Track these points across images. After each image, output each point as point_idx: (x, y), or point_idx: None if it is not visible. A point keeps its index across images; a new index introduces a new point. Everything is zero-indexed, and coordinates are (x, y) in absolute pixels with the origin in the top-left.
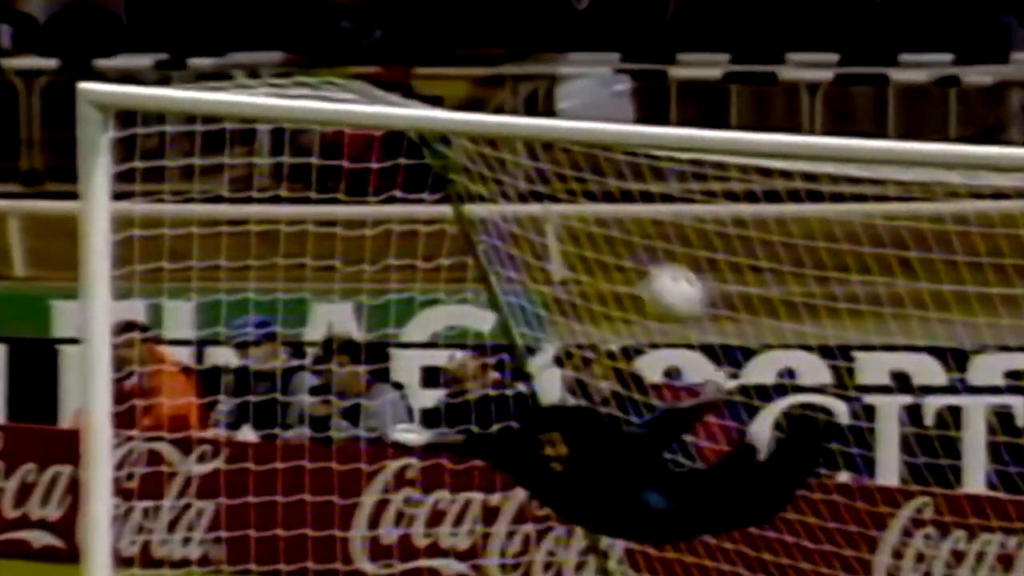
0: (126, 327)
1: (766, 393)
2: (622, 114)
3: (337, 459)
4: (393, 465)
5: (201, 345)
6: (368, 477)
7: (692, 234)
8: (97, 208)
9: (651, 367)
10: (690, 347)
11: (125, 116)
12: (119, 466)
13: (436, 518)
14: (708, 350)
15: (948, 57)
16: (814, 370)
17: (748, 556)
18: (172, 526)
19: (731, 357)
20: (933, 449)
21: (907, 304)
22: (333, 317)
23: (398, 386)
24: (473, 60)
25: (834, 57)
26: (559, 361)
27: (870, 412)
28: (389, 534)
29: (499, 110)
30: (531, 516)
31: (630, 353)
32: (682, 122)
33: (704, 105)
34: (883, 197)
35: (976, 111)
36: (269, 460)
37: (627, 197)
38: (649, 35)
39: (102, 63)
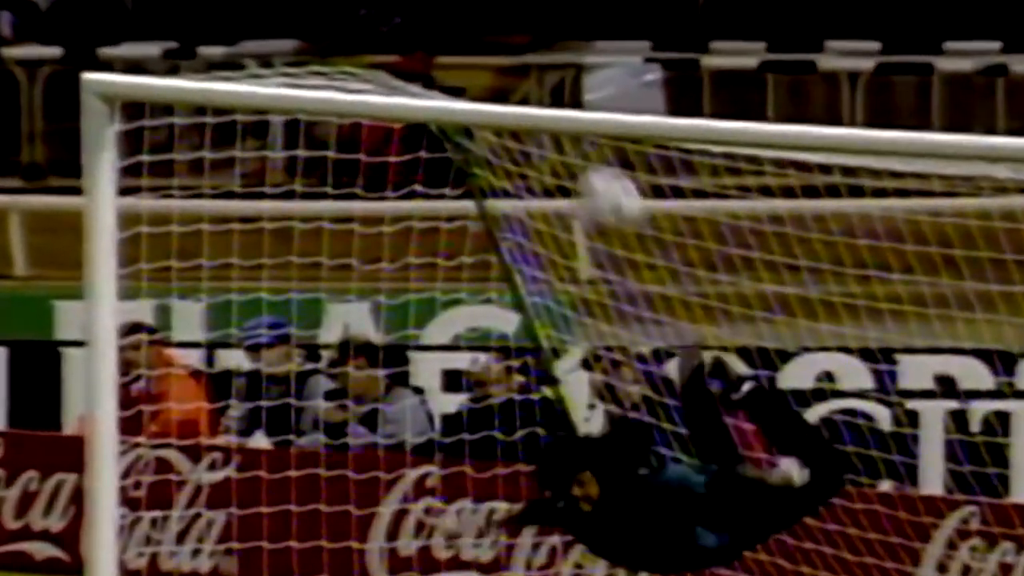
0: (132, 329)
1: (804, 398)
2: (652, 105)
3: (354, 467)
4: (412, 474)
5: (211, 348)
6: (386, 486)
7: (726, 231)
8: (102, 204)
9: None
10: (724, 349)
11: (132, 108)
12: (125, 474)
13: (458, 529)
14: (743, 352)
15: (995, 45)
16: (854, 374)
17: (785, 569)
18: (181, 537)
19: (767, 360)
20: (979, 456)
21: (952, 305)
22: (350, 318)
23: (418, 391)
24: (497, 48)
25: (876, 45)
26: (587, 364)
27: (913, 418)
28: (408, 546)
29: (524, 101)
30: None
31: (661, 356)
32: (715, 114)
33: (739, 96)
34: (927, 192)
35: None
36: (282, 468)
37: (658, 192)
38: (681, 22)
39: (107, 52)
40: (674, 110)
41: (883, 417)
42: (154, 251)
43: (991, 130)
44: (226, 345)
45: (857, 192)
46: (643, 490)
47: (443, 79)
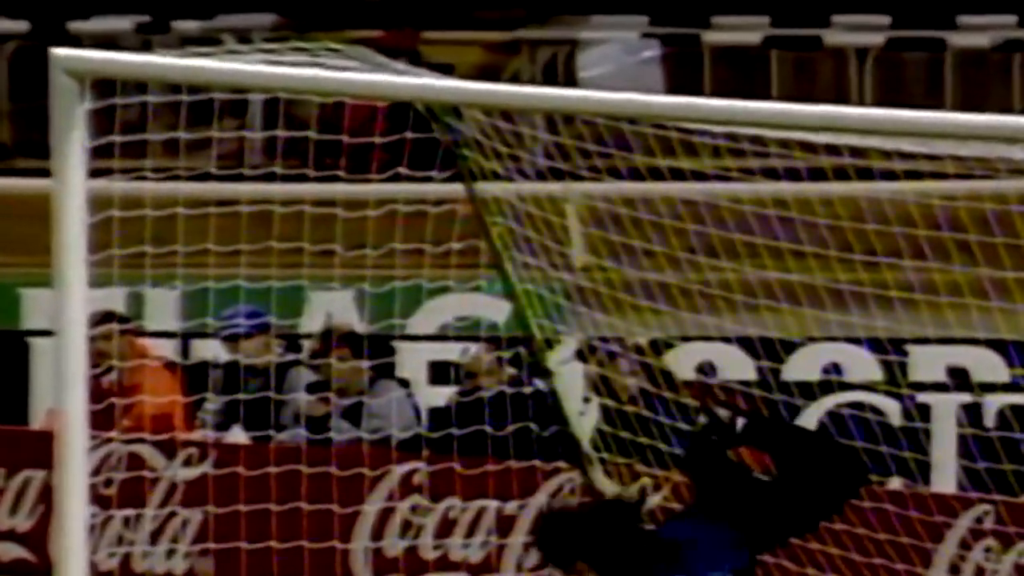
0: (104, 318)
1: (810, 390)
2: (650, 83)
3: (337, 463)
4: (398, 470)
5: (186, 338)
6: (371, 483)
7: (728, 215)
8: (71, 187)
9: (683, 361)
10: (726, 340)
11: (103, 85)
12: (96, 471)
13: (446, 528)
14: (746, 343)
15: (1011, 19)
16: (863, 365)
17: (791, 571)
18: (155, 537)
19: (771, 351)
20: (994, 452)
21: (966, 292)
22: (332, 307)
23: (404, 383)
24: (487, 24)
25: (885, 20)
26: (581, 355)
27: (925, 412)
28: (394, 546)
29: (515, 79)
30: None
31: (659, 346)
32: (717, 92)
33: (741, 73)
34: (939, 175)
35: None
36: (262, 464)
37: (656, 175)
38: None
39: (77, 26)
40: (673, 88)
41: (893, 411)
42: (126, 236)
43: (1007, 109)
44: (202, 335)
45: (866, 174)
46: (645, 550)
47: (430, 55)
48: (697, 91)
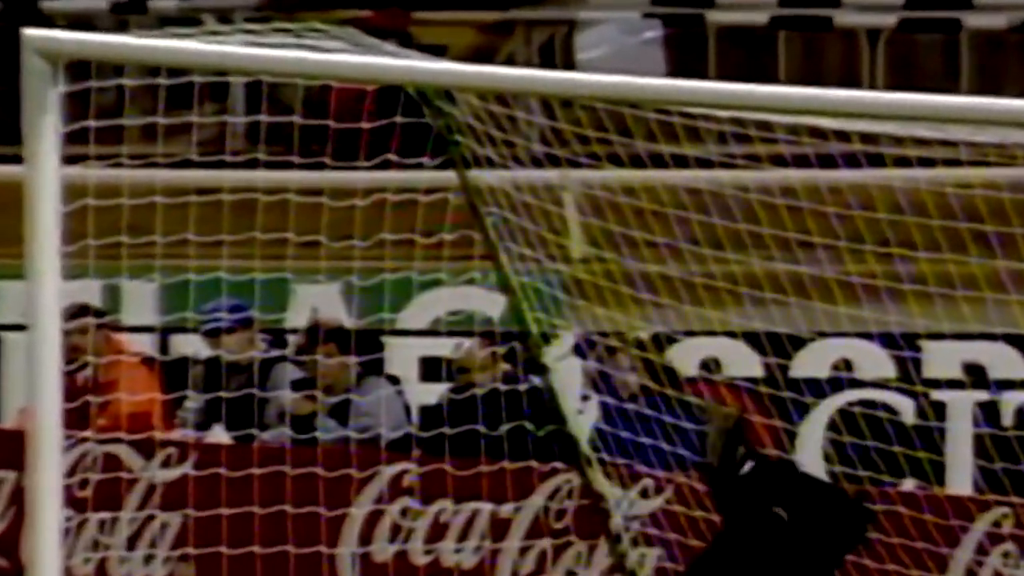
0: (79, 312)
1: (819, 388)
2: (652, 66)
3: (323, 464)
4: (387, 471)
5: (165, 333)
6: (359, 485)
7: (733, 204)
8: (44, 174)
9: (686, 357)
10: (731, 335)
11: (77, 67)
12: (71, 472)
13: (438, 532)
14: (752, 338)
15: None
16: (875, 361)
17: None
18: (132, 541)
19: (779, 347)
20: (1012, 452)
21: (983, 285)
22: (318, 300)
23: (393, 380)
24: (480, 3)
25: None
26: (580, 351)
27: (939, 410)
28: (383, 550)
29: (510, 61)
30: (548, 530)
31: (662, 341)
32: (722, 75)
33: (747, 55)
34: (955, 161)
35: None
36: (244, 465)
37: (658, 162)
38: None
39: (50, 5)
40: (676, 71)
41: (906, 409)
42: (102, 226)
43: None
44: (182, 330)
45: (878, 161)
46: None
47: (421, 36)
48: (701, 74)
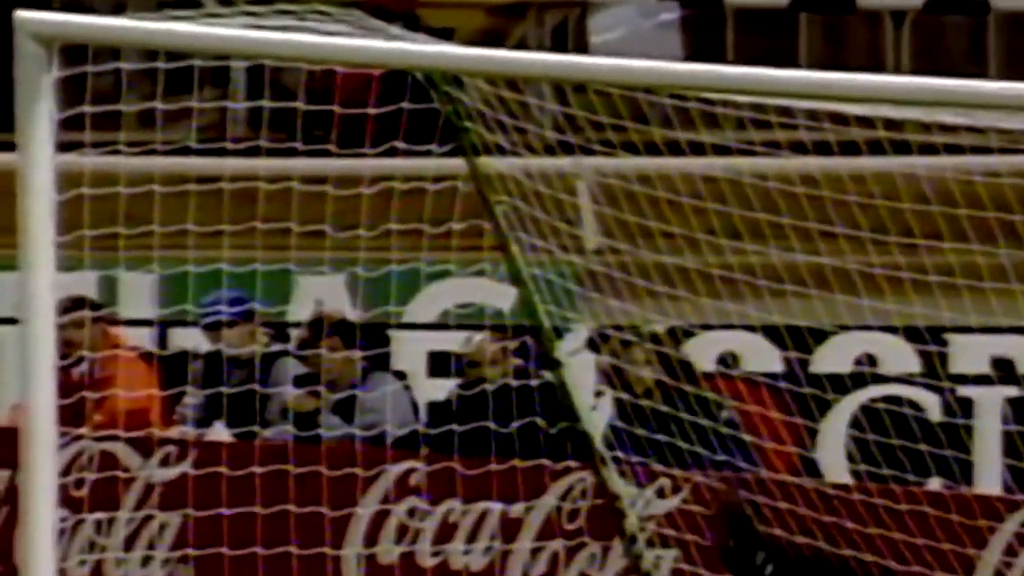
0: (74, 304)
1: (841, 384)
2: (668, 49)
3: (327, 462)
4: (394, 470)
5: (164, 326)
6: (364, 484)
7: (752, 193)
8: (39, 162)
9: (703, 352)
10: (750, 329)
11: (72, 51)
12: (66, 471)
13: (446, 533)
14: (771, 332)
15: None
16: (899, 356)
17: None
18: (130, 542)
19: (799, 341)
20: None
21: (1011, 277)
22: (322, 292)
23: (400, 375)
24: None
25: None
26: (593, 345)
27: (966, 406)
28: (390, 552)
29: (522, 45)
30: (560, 530)
31: (678, 335)
32: (740, 59)
33: (767, 38)
34: (982, 149)
35: None
36: (246, 463)
37: (674, 149)
38: None
39: None
40: (693, 54)
41: (932, 405)
42: (98, 215)
43: None
44: (181, 323)
45: (902, 148)
46: None
47: (429, 19)
48: (719, 58)
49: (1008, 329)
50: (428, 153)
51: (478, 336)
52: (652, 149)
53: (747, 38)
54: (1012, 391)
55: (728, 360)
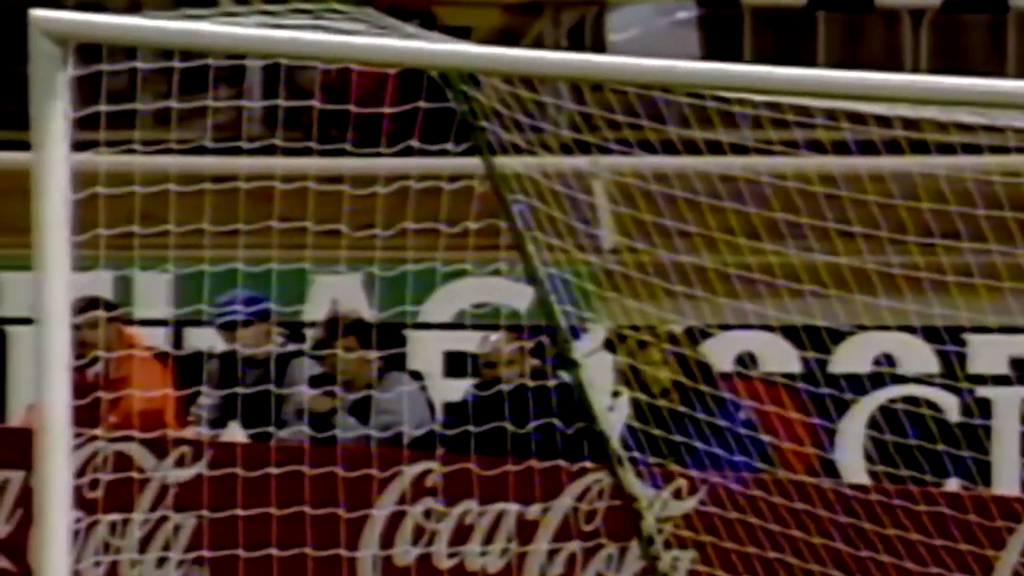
0: (89, 304)
1: (860, 384)
2: (685, 48)
3: (343, 463)
4: (410, 471)
5: (179, 326)
6: (380, 485)
7: (770, 192)
8: (54, 161)
9: (721, 352)
10: (769, 329)
11: (87, 50)
12: (80, 472)
13: (463, 534)
14: (790, 332)
15: None
16: (917, 356)
17: None
18: (144, 544)
19: (817, 341)
20: None
21: None
22: (338, 292)
23: (416, 375)
24: None
25: None
26: (610, 345)
27: (985, 407)
28: (406, 553)
29: (538, 43)
30: (577, 532)
31: (695, 335)
32: (758, 58)
33: (785, 37)
34: (1001, 148)
35: None
36: (261, 464)
37: (691, 148)
38: None
39: None
40: (710, 53)
41: (951, 406)
42: (113, 215)
43: None
44: (196, 323)
45: (920, 148)
46: None
47: (445, 17)
48: (736, 56)
49: None
50: (444, 152)
51: (494, 336)
52: (669, 148)
53: (764, 37)
54: None
55: (746, 360)
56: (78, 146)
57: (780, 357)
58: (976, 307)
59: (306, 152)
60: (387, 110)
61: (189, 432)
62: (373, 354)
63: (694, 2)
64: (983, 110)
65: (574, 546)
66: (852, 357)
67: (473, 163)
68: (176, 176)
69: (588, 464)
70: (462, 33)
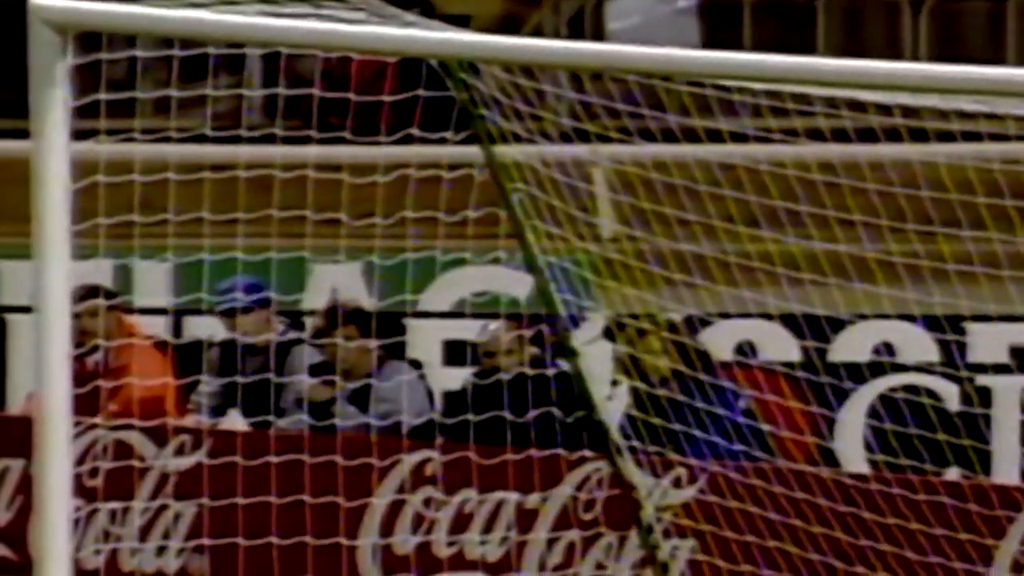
0: (89, 293)
1: (859, 373)
2: (685, 36)
3: (343, 452)
4: (409, 459)
5: (179, 314)
6: (380, 474)
7: (769, 180)
8: (53, 150)
9: (720, 341)
10: (768, 317)
11: (87, 38)
12: (80, 460)
13: (462, 523)
14: (789, 321)
15: None
16: (917, 345)
17: (838, 569)
18: (144, 532)
19: (817, 329)
20: None
21: None
22: (338, 280)
23: (416, 364)
24: None
25: None
26: (609, 333)
27: (985, 395)
28: (405, 542)
29: (538, 32)
30: (576, 521)
31: (695, 324)
32: (758, 46)
33: (785, 25)
34: (1001, 136)
35: None
36: (261, 453)
37: (691, 136)
38: None
39: None
40: (710, 42)
41: (950, 395)
42: (113, 204)
43: None
44: (196, 311)
45: (920, 136)
46: None
47: (444, 6)
48: (736, 45)
49: None
50: (444, 141)
51: (494, 325)
52: (669, 136)
53: (764, 25)
54: None
55: (746, 349)
56: (78, 134)
57: (779, 345)
58: (976, 295)
59: (306, 140)
60: (387, 99)
61: (189, 420)
62: (373, 343)
63: None
64: (983, 98)
65: (573, 535)
66: (852, 345)
67: (473, 152)
68: (176, 164)
69: (587, 453)
70: (462, 21)
